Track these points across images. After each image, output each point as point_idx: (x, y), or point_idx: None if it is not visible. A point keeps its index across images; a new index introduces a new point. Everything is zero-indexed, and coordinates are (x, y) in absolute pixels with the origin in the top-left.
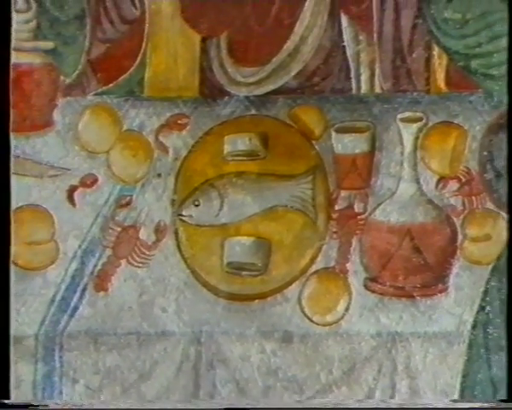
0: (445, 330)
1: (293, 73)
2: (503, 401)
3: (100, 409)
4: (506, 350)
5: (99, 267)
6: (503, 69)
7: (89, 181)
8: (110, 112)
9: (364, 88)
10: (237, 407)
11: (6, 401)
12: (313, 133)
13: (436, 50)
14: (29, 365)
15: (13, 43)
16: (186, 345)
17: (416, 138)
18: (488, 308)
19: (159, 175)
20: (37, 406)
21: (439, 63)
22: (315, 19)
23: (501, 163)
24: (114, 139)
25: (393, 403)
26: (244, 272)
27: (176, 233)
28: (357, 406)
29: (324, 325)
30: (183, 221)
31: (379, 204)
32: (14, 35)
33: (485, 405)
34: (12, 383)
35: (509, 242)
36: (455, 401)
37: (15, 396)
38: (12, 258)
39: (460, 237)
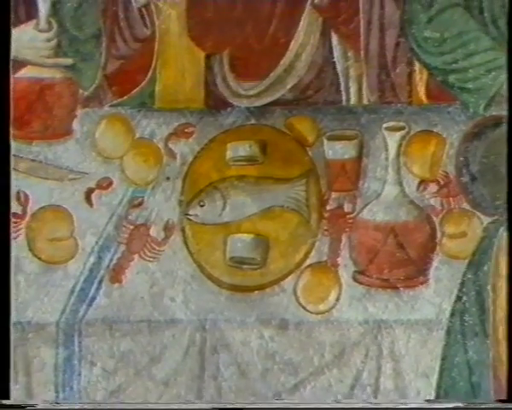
0: (425, 317)
1: (288, 87)
2: (503, 401)
3: (100, 409)
4: (482, 335)
5: (114, 261)
6: (478, 83)
7: (104, 184)
8: (124, 121)
9: (353, 100)
10: (237, 407)
11: (6, 402)
12: (307, 141)
13: (417, 66)
14: (51, 349)
15: (32, 59)
16: (192, 331)
17: (400, 145)
18: (464, 298)
19: (167, 178)
20: (37, 406)
21: (420, 78)
22: (308, 38)
23: (475, 168)
24: (128, 146)
25: (395, 402)
26: (245, 266)
27: (183, 231)
28: (357, 406)
29: (317, 314)
30: (190, 220)
31: (366, 204)
32: (35, 52)
33: (484, 405)
34: (35, 366)
35: (509, 241)
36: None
37: (39, 379)
38: (35, 253)
39: (439, 234)
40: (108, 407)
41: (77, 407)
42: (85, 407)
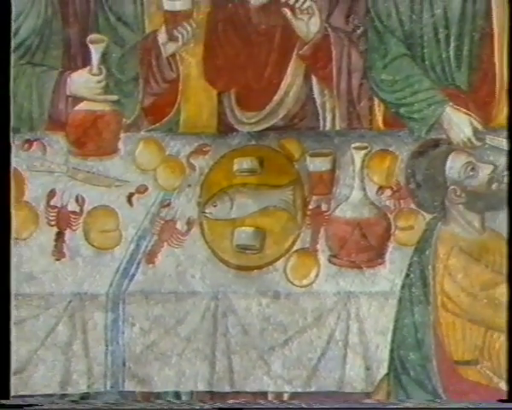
0: (382, 290)
1: (280, 117)
2: (503, 401)
3: (101, 409)
4: (424, 303)
5: (149, 248)
6: (421, 114)
7: (142, 189)
8: (156, 143)
9: (328, 126)
10: (237, 407)
11: (5, 402)
12: (294, 157)
13: (376, 101)
14: (102, 313)
15: (87, 96)
16: (208, 300)
17: (363, 160)
18: (411, 275)
19: (189, 185)
20: (37, 406)
21: (379, 110)
22: (294, 79)
23: (420, 177)
24: (159, 161)
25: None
26: (247, 251)
27: (201, 225)
28: (358, 406)
29: (301, 287)
30: (206, 217)
31: (338, 205)
32: (89, 91)
33: (484, 405)
34: (90, 327)
35: (509, 240)
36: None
37: (93, 336)
38: (89, 242)
39: (393, 227)
40: (108, 407)
41: (79, 407)
42: (87, 407)
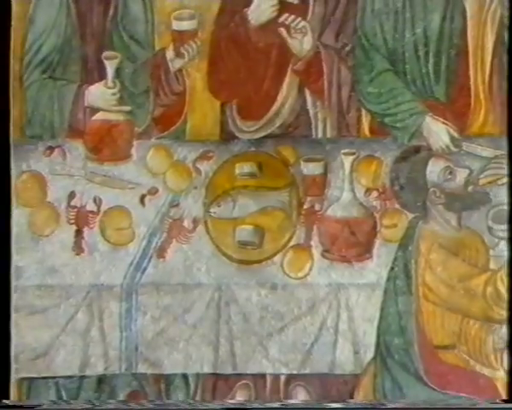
0: (370, 281)
1: (276, 126)
2: (503, 401)
3: (100, 409)
4: (407, 294)
5: (159, 244)
6: (404, 123)
7: (153, 191)
8: (165, 149)
9: (320, 134)
10: (237, 407)
11: (6, 402)
12: (289, 162)
13: (363, 112)
14: (117, 303)
15: (103, 107)
16: (212, 291)
17: (352, 165)
18: (396, 269)
19: (195, 188)
20: (37, 406)
21: (366, 119)
22: (289, 92)
23: (403, 180)
24: (168, 166)
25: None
26: (248, 247)
27: (206, 223)
28: (358, 406)
29: (296, 279)
30: (211, 216)
31: (329, 205)
32: (105, 102)
33: (484, 405)
34: (106, 315)
35: (509, 240)
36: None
37: (108, 323)
38: (106, 238)
39: (379, 225)
40: (108, 407)
41: (78, 407)
42: (87, 406)
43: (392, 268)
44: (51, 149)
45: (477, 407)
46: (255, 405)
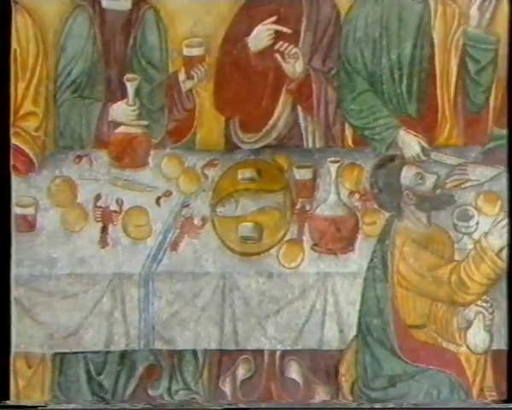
0: (352, 271)
1: (273, 137)
2: (503, 401)
3: (102, 409)
4: (384, 281)
5: (172, 239)
6: (381, 136)
7: (167, 193)
8: (177, 157)
9: (310, 145)
10: (237, 407)
11: (7, 402)
12: (284, 168)
13: (347, 125)
14: (136, 289)
15: (125, 121)
16: (218, 279)
17: (338, 171)
18: (375, 260)
19: (203, 190)
20: (37, 407)
21: (349, 132)
22: (284, 108)
23: (381, 185)
24: (180, 172)
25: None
26: (249, 241)
27: (212, 221)
28: (358, 406)
29: (290, 269)
30: (216, 215)
31: (318, 206)
32: (126, 118)
33: (484, 405)
34: (127, 299)
35: (509, 239)
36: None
37: (129, 307)
38: (127, 234)
39: (360, 223)
40: (108, 407)
41: (79, 407)
42: (86, 406)
43: (371, 259)
44: (80, 157)
45: (476, 406)
46: (255, 405)
